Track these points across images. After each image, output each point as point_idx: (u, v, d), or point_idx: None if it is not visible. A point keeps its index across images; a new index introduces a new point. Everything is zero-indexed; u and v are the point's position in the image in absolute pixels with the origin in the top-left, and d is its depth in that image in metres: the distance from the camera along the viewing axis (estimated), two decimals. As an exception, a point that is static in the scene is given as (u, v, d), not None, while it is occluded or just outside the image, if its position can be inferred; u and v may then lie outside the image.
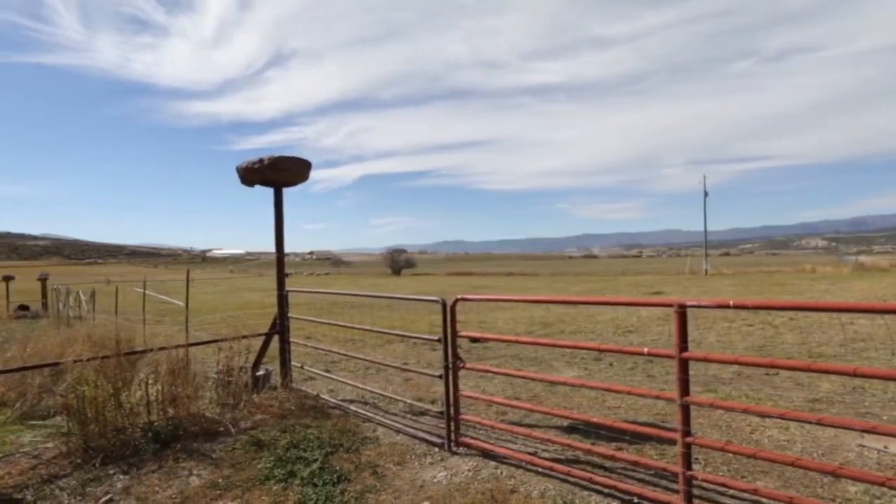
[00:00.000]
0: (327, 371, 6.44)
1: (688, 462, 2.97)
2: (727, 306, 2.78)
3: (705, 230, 47.49)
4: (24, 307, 21.63)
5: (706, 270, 42.07)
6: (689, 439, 2.94)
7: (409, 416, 5.39)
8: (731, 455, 3.94)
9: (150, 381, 5.10)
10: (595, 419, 3.61)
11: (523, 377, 4.27)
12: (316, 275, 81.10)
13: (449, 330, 4.16)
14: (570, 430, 4.78)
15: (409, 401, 5.33)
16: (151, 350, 5.22)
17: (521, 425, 4.75)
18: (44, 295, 23.13)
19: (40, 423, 5.74)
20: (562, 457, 4.13)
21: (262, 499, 3.53)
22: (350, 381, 6.02)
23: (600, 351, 3.84)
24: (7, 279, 20.11)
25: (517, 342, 3.99)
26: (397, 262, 76.57)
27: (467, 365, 4.24)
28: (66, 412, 5.84)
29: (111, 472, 3.96)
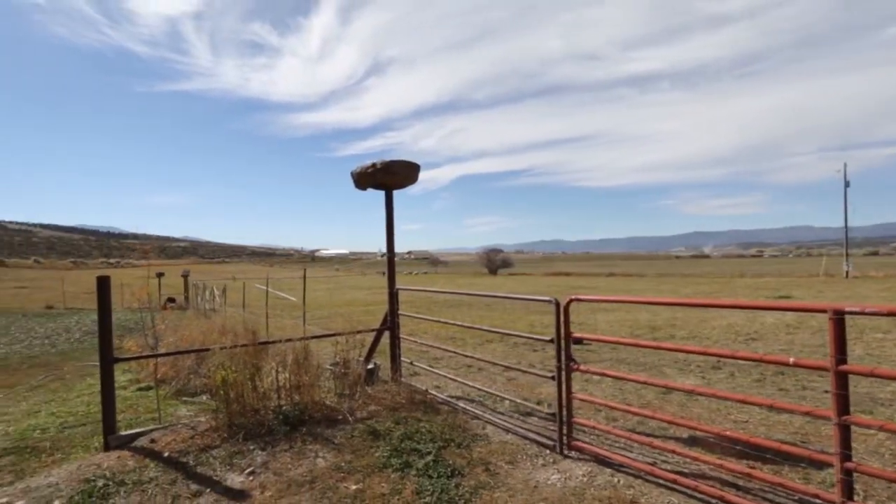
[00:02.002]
0: (431, 367, 6.62)
1: (848, 491, 2.62)
2: (897, 313, 2.40)
3: (846, 226, 41.65)
4: (171, 299, 24.96)
5: (847, 273, 36.88)
6: (849, 465, 2.60)
7: (516, 415, 5.37)
8: None
9: (278, 370, 5.60)
10: (727, 432, 3.33)
11: (647, 383, 4.07)
12: (414, 274, 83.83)
13: (562, 330, 4.08)
14: (691, 442, 4.46)
15: (517, 400, 5.31)
16: (280, 341, 5.74)
17: (637, 433, 4.52)
18: (185, 289, 26.47)
19: (190, 399, 6.56)
20: (685, 470, 3.87)
21: (381, 485, 3.73)
22: (456, 378, 6.14)
23: (736, 358, 3.54)
24: (159, 276, 23.58)
25: (637, 346, 3.80)
26: (494, 262, 76.66)
27: (581, 367, 4.13)
28: (210, 392, 6.63)
29: (251, 447, 4.42)
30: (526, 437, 4.64)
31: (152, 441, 4.59)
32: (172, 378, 7.13)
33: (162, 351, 7.24)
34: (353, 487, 3.70)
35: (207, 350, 5.30)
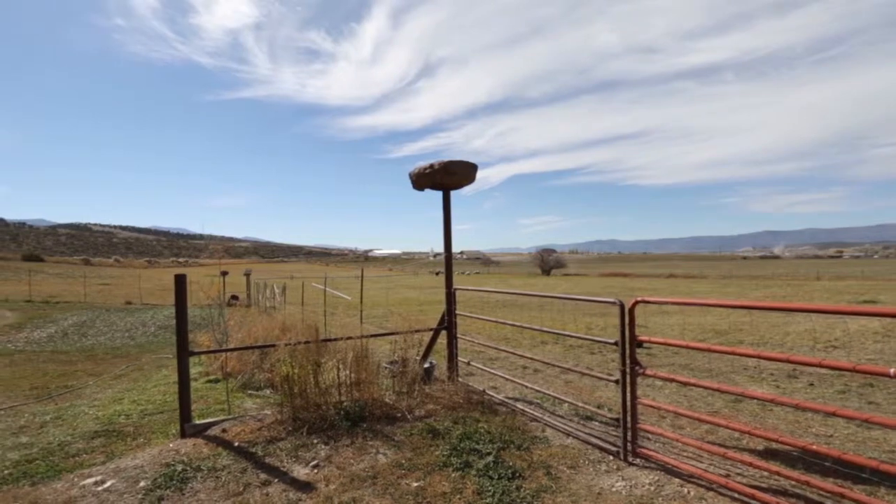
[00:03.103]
0: (486, 367, 6.60)
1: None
2: None
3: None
4: (235, 297, 26.32)
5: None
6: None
7: (575, 419, 5.25)
8: None
9: (339, 367, 5.76)
10: (813, 446, 3.10)
11: (719, 390, 3.88)
12: (467, 274, 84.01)
13: (627, 333, 3.95)
14: (768, 454, 4.19)
15: (577, 403, 5.19)
16: (340, 339, 5.90)
17: (707, 442, 4.30)
18: (248, 287, 27.79)
19: (255, 392, 6.87)
20: (763, 485, 3.64)
21: (442, 483, 3.75)
22: (513, 379, 6.08)
23: (823, 367, 3.30)
24: (223, 274, 24.90)
25: (709, 351, 3.62)
26: (547, 262, 75.53)
27: (648, 371, 3.98)
28: (273, 386, 6.92)
29: (315, 441, 4.57)
30: (587, 442, 4.53)
31: (223, 431, 4.84)
32: (239, 372, 7.49)
33: (231, 346, 7.63)
34: (415, 485, 3.74)
35: (273, 346, 5.53)
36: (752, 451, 4.30)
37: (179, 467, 4.05)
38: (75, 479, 3.97)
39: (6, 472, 4.24)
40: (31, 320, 18.70)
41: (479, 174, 6.52)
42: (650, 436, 4.52)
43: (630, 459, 4.11)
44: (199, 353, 5.68)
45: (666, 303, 3.92)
